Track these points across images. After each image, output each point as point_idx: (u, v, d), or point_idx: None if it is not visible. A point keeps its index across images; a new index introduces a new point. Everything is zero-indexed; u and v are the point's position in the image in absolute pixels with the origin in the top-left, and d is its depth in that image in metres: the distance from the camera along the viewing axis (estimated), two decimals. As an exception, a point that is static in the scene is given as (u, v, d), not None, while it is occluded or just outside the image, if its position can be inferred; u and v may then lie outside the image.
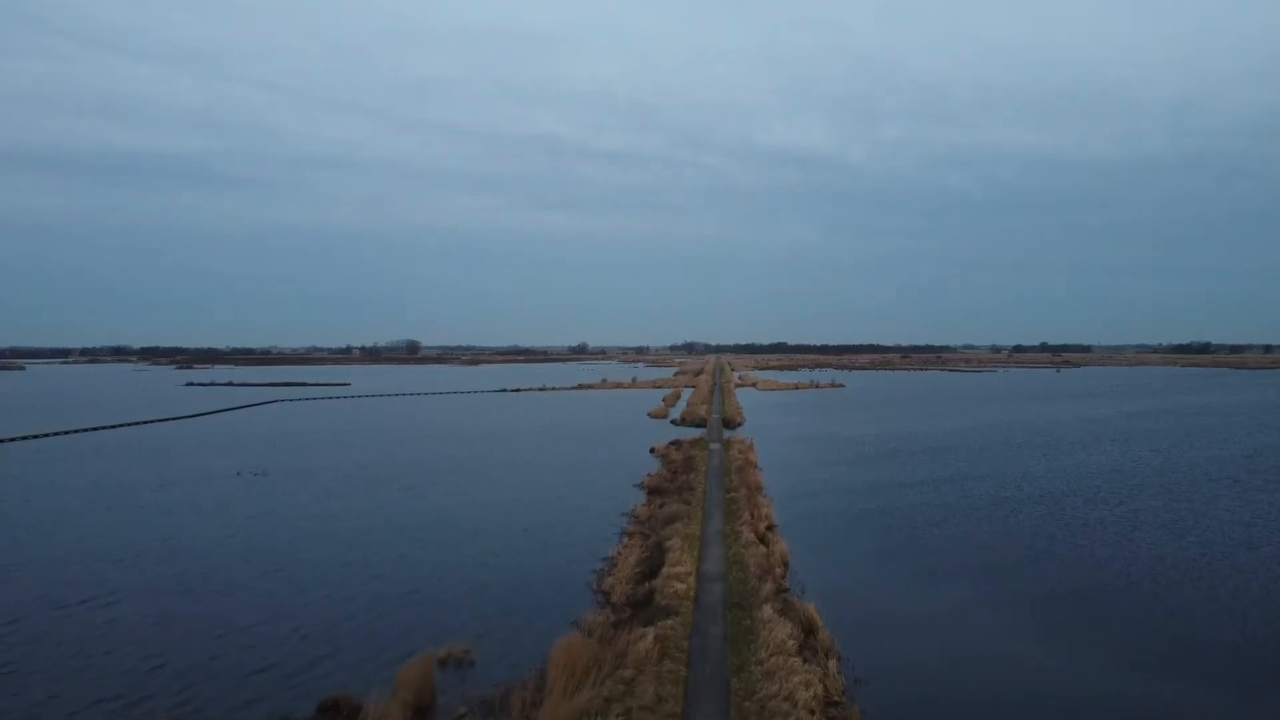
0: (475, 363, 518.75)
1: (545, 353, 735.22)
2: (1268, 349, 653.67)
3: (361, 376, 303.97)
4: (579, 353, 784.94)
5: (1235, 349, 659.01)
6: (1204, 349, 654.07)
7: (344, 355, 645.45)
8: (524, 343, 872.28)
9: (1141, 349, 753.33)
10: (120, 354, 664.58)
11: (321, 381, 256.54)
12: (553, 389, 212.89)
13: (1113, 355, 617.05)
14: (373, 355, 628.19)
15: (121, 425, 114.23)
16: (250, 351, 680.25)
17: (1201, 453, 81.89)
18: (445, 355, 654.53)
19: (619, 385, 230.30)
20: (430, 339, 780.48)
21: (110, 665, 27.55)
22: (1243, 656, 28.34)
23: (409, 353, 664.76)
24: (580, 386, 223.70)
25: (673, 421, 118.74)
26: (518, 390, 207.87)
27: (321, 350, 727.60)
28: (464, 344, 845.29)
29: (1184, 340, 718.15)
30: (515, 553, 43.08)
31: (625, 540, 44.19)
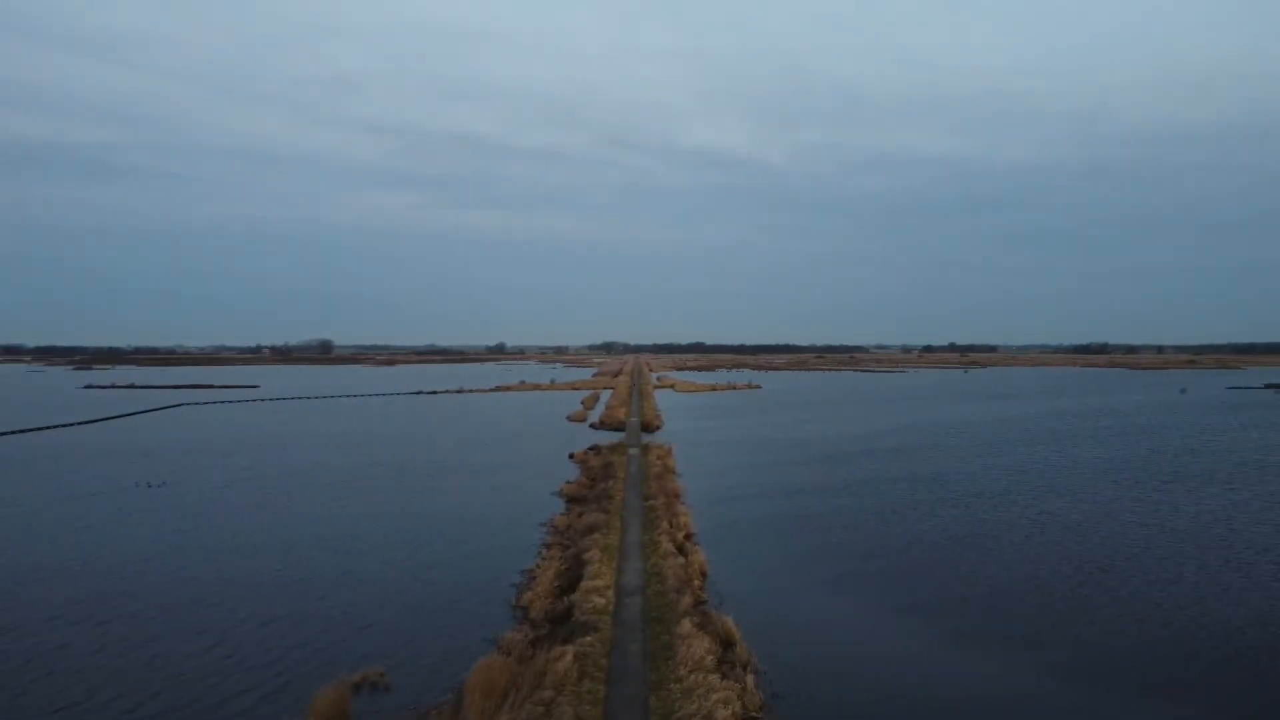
0: (391, 363, 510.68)
1: (463, 353, 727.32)
2: (1159, 349, 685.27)
3: (271, 378, 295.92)
4: (497, 352, 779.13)
5: (1130, 349, 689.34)
6: (1102, 349, 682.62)
7: (254, 355, 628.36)
8: (441, 342, 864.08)
9: (1044, 349, 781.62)
10: (12, 353, 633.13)
11: (229, 384, 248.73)
12: (470, 391, 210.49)
13: (1017, 356, 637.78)
14: (284, 355, 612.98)
15: (14, 432, 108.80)
16: (154, 351, 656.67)
17: (1103, 453, 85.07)
18: (359, 355, 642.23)
19: (537, 387, 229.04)
20: (344, 338, 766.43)
21: (29, 703, 26.08)
22: (1141, 656, 29.40)
23: (322, 353, 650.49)
24: (498, 388, 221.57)
25: (591, 425, 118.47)
26: (434, 392, 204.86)
27: (230, 350, 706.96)
28: (379, 343, 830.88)
29: (1083, 341, 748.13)
30: (434, 567, 42.31)
31: (544, 552, 43.81)
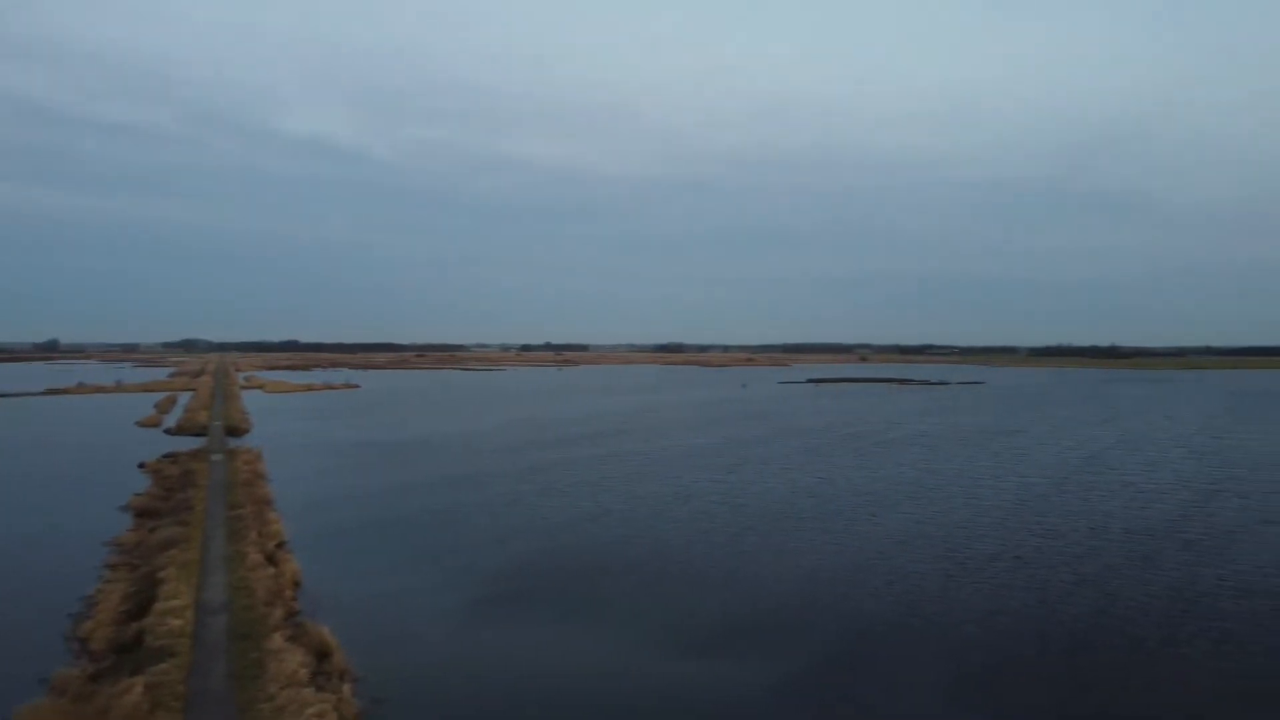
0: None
1: (5, 350, 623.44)
2: (725, 349, 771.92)
3: None
4: (49, 350, 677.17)
5: (702, 348, 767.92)
6: (679, 349, 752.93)
7: None
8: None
9: (631, 348, 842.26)
10: None
11: None
12: (13, 395, 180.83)
13: (606, 354, 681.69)
14: None
15: None
16: None
17: (686, 441, 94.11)
18: None
19: (100, 389, 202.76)
20: None
21: None
22: (711, 618, 32.92)
23: None
24: (50, 391, 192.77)
25: (167, 431, 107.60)
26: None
27: None
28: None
29: (665, 340, 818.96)
30: (-41, 602, 35.86)
31: (108, 574, 38.95)
